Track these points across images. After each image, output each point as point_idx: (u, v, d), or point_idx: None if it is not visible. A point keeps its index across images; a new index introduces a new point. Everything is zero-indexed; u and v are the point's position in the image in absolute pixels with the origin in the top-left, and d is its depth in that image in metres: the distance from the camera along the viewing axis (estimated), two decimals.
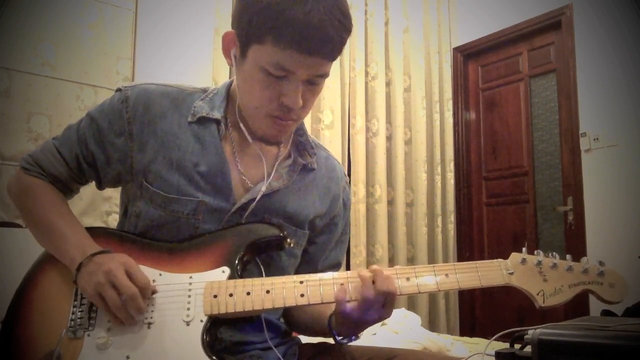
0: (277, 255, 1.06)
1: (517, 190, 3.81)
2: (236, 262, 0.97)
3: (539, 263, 0.97)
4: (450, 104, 4.06)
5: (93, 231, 1.04)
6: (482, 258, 4.20)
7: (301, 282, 0.94)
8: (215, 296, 0.93)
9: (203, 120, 1.04)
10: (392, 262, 3.56)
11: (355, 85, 3.52)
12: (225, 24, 2.90)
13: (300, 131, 1.12)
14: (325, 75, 0.97)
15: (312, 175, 1.12)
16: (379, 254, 3.48)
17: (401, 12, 3.80)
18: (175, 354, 0.90)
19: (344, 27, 0.93)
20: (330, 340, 1.06)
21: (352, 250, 3.35)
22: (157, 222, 1.02)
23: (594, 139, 3.31)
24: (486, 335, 3.04)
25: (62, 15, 2.57)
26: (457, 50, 4.17)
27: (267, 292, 0.93)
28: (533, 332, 0.84)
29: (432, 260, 3.76)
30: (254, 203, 1.02)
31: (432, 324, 3.65)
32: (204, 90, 1.09)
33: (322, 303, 0.95)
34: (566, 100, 3.51)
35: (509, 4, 3.85)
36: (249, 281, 0.94)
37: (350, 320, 0.94)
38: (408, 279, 0.94)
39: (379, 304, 0.92)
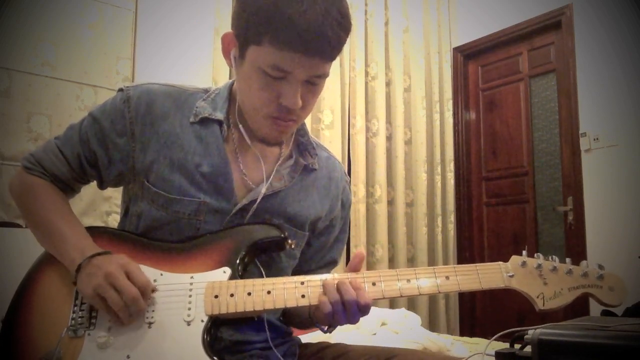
0: (277, 257, 1.07)
1: (517, 190, 3.81)
2: (237, 262, 0.97)
3: (539, 266, 0.97)
4: (450, 104, 4.06)
5: (94, 231, 1.04)
6: (482, 258, 4.23)
7: (302, 283, 0.94)
8: (216, 296, 0.93)
9: (205, 121, 1.04)
10: (392, 262, 3.56)
11: (355, 85, 3.52)
12: (225, 24, 2.90)
13: (302, 132, 1.12)
14: (324, 75, 0.96)
15: (313, 175, 1.12)
16: (379, 254, 3.48)
17: (401, 12, 3.80)
18: (176, 354, 0.90)
19: (342, 27, 0.92)
20: (330, 340, 1.06)
21: (352, 250, 3.35)
22: (159, 222, 1.01)
23: (594, 139, 3.31)
24: (486, 335, 3.04)
25: (62, 15, 2.57)
26: (457, 50, 4.17)
27: (268, 292, 0.93)
28: (533, 332, 0.84)
29: (432, 260, 3.76)
30: (255, 204, 1.02)
31: (432, 324, 3.65)
32: (206, 91, 1.09)
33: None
34: (566, 100, 3.51)
35: (509, 4, 3.85)
36: (249, 282, 0.94)
37: (328, 319, 0.94)
38: (409, 280, 0.94)
39: (352, 313, 0.91)
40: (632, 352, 0.76)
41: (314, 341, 1.21)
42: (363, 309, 0.91)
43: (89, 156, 1.06)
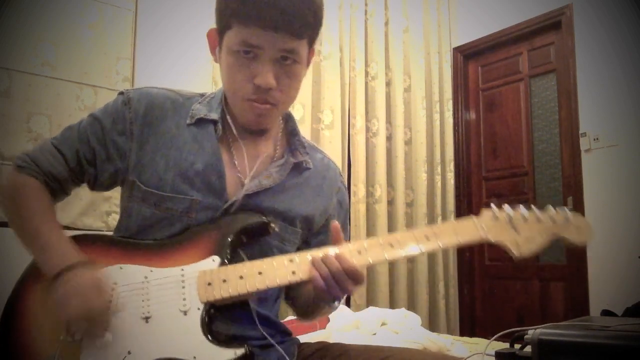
0: (270, 253, 1.07)
1: (517, 190, 3.81)
2: (225, 250, 0.99)
3: (510, 218, 1.02)
4: (450, 104, 4.06)
5: (83, 238, 1.04)
6: (482, 258, 4.23)
7: (291, 261, 0.97)
8: (209, 284, 0.95)
9: (201, 122, 1.07)
10: (391, 262, 3.56)
11: (355, 85, 3.52)
12: None
13: (294, 131, 1.15)
14: (294, 51, 0.99)
15: (306, 174, 1.14)
16: None
17: (401, 12, 3.80)
18: (177, 343, 0.92)
19: (304, 4, 0.96)
20: (329, 340, 1.07)
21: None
22: (150, 220, 1.04)
23: (594, 139, 3.31)
24: (486, 335, 3.04)
25: (62, 15, 2.57)
26: (457, 50, 4.17)
27: (260, 273, 0.95)
28: (533, 332, 0.84)
29: (432, 260, 3.76)
30: (239, 201, 1.05)
31: (432, 324, 3.65)
32: (202, 95, 1.14)
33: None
34: (566, 100, 3.51)
35: (509, 4, 3.85)
36: (240, 266, 0.97)
37: (326, 294, 0.96)
38: (392, 245, 0.97)
39: (341, 281, 0.94)
40: (632, 352, 0.76)
41: (313, 341, 1.22)
42: (351, 275, 0.94)
43: (88, 153, 1.07)
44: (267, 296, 1.11)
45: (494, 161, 3.96)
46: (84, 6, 2.64)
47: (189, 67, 2.90)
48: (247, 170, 1.08)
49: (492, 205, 1.03)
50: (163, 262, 0.99)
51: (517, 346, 0.90)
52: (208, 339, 0.92)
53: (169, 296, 0.95)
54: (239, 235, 1.02)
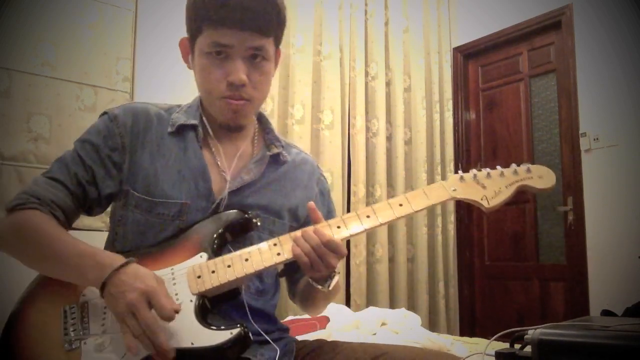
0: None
1: None
2: (211, 247, 1.03)
3: (475, 176, 1.09)
4: (450, 104, 4.06)
5: None
6: (482, 258, 4.23)
7: (275, 244, 1.02)
8: (199, 277, 0.99)
9: (182, 129, 1.14)
10: (392, 262, 3.56)
11: (355, 85, 3.52)
12: None
13: (267, 129, 1.23)
14: (262, 48, 1.06)
15: (284, 168, 1.20)
16: (379, 253, 3.48)
17: (401, 12, 3.80)
18: (173, 334, 0.93)
19: (268, 4, 1.05)
20: (324, 334, 1.07)
21: (352, 250, 3.35)
22: (144, 225, 1.07)
23: (594, 139, 3.31)
24: (486, 335, 3.04)
25: (62, 15, 2.57)
26: (457, 50, 4.17)
27: (246, 260, 1.00)
28: (533, 332, 0.84)
29: (432, 260, 3.76)
30: (225, 199, 1.09)
31: (432, 324, 3.65)
32: (179, 106, 1.21)
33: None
34: (566, 100, 3.51)
35: (509, 4, 3.85)
36: (227, 256, 1.01)
37: (310, 270, 1.00)
38: (368, 216, 1.03)
39: (323, 254, 0.98)
40: (632, 352, 0.76)
41: (310, 339, 1.23)
42: (331, 248, 0.98)
43: (86, 174, 1.09)
44: (264, 288, 1.13)
45: (494, 161, 3.96)
46: (84, 6, 2.64)
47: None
48: (228, 168, 1.13)
49: (460, 170, 1.12)
50: (154, 266, 1.00)
51: (517, 346, 0.90)
52: (203, 324, 0.94)
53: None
54: (225, 232, 1.06)
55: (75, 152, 1.11)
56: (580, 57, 3.43)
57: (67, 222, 1.09)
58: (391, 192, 3.65)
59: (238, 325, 0.94)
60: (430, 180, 3.84)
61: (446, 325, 3.77)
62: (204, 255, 1.02)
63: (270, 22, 1.06)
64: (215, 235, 1.04)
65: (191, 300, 0.97)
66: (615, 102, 3.25)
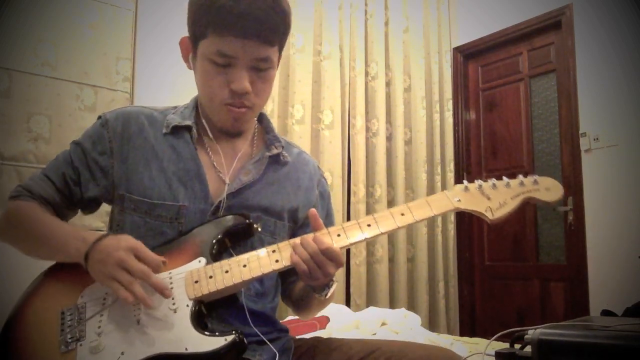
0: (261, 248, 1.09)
1: None
2: (210, 251, 1.03)
3: (480, 187, 1.06)
4: (450, 104, 4.06)
5: None
6: (482, 258, 4.22)
7: (274, 251, 1.00)
8: (196, 281, 0.99)
9: (176, 130, 1.13)
10: (392, 262, 3.56)
11: (355, 85, 3.52)
12: None
13: (268, 129, 1.21)
14: (267, 59, 1.05)
15: (285, 169, 1.19)
16: (378, 253, 3.48)
17: (401, 12, 3.80)
18: (168, 339, 0.93)
19: (275, 12, 1.02)
20: (324, 335, 1.08)
21: (352, 250, 3.35)
22: (143, 228, 1.07)
23: (594, 139, 3.31)
24: (486, 335, 3.04)
25: (62, 15, 2.57)
26: (457, 50, 4.17)
27: (244, 266, 0.99)
28: (533, 332, 0.84)
29: (432, 260, 3.76)
30: (225, 202, 1.09)
31: (432, 324, 3.65)
32: (175, 107, 1.20)
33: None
34: (566, 100, 3.51)
35: (509, 4, 3.85)
36: (225, 262, 1.00)
37: (308, 278, 1.00)
38: (369, 225, 1.02)
39: (321, 263, 0.97)
40: (632, 352, 0.76)
41: (307, 337, 1.23)
42: (330, 256, 0.97)
43: (73, 175, 1.13)
44: (264, 291, 1.13)
45: (494, 161, 3.96)
46: (84, 6, 2.64)
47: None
48: (226, 170, 1.12)
49: (464, 180, 1.09)
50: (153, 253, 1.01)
51: (517, 346, 0.90)
52: (198, 330, 0.94)
53: (158, 299, 0.97)
54: (224, 237, 1.05)
55: (69, 152, 1.15)
56: (580, 57, 3.43)
57: (58, 217, 1.14)
58: (391, 192, 3.66)
59: (233, 332, 0.94)
60: (430, 180, 3.84)
61: (446, 325, 3.76)
62: (203, 260, 1.02)
63: (277, 32, 1.05)
64: (214, 241, 1.04)
65: (187, 305, 0.97)
66: (615, 102, 3.24)
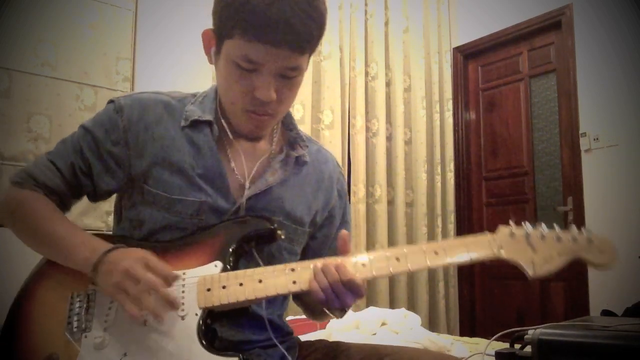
0: (278, 253, 1.07)
1: (517, 190, 3.81)
2: (228, 256, 0.98)
3: (527, 235, 0.96)
4: (450, 104, 4.06)
5: None
6: None
7: (292, 270, 0.94)
8: (208, 289, 0.94)
9: (196, 124, 1.05)
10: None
11: (355, 85, 3.52)
12: None
13: (290, 125, 1.13)
14: (297, 68, 0.97)
15: (305, 170, 1.13)
16: None
17: (401, 12, 3.80)
18: (172, 349, 0.91)
19: (312, 18, 0.92)
20: (324, 335, 1.06)
21: (352, 250, 3.34)
22: (161, 224, 1.02)
23: (594, 139, 3.31)
24: (486, 335, 3.04)
25: (62, 15, 2.57)
26: (457, 50, 4.17)
27: (260, 281, 0.94)
28: (533, 332, 0.84)
29: None
30: (245, 203, 1.03)
31: (432, 324, 3.65)
32: (194, 95, 1.11)
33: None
34: (566, 100, 3.51)
35: (509, 4, 3.85)
36: (241, 272, 0.95)
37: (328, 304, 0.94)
38: (398, 259, 0.94)
39: (341, 293, 0.91)
40: (632, 352, 0.76)
41: (312, 339, 1.22)
42: (350, 288, 0.91)
43: (83, 166, 1.06)
44: (274, 298, 1.09)
45: (494, 161, 3.96)
46: (84, 6, 2.64)
47: (189, 67, 2.90)
48: (245, 170, 1.06)
49: (510, 221, 0.99)
50: (166, 262, 0.98)
51: (517, 346, 0.90)
52: (203, 345, 0.90)
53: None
54: (245, 241, 1.00)
55: (77, 139, 1.07)
56: (580, 57, 3.43)
57: (64, 205, 1.09)
58: (391, 192, 3.66)
59: (239, 356, 0.90)
60: (430, 180, 3.84)
61: (446, 325, 3.76)
62: (219, 264, 0.97)
63: (310, 40, 0.96)
64: (234, 244, 0.99)
65: (196, 314, 0.93)
66: (615, 102, 3.24)
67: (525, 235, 0.96)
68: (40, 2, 2.51)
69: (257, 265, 1.02)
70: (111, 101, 1.08)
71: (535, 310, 3.58)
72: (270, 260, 1.04)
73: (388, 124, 3.70)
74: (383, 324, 2.16)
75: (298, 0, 0.90)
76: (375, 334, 2.09)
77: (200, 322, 0.92)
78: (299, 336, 1.21)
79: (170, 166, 1.03)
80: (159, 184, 1.02)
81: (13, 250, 1.06)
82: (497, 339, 0.95)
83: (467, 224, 4.03)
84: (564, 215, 3.52)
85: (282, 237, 1.03)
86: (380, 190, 3.54)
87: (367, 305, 3.12)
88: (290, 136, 1.13)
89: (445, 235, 3.89)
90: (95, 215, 2.53)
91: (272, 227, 1.01)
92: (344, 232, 0.98)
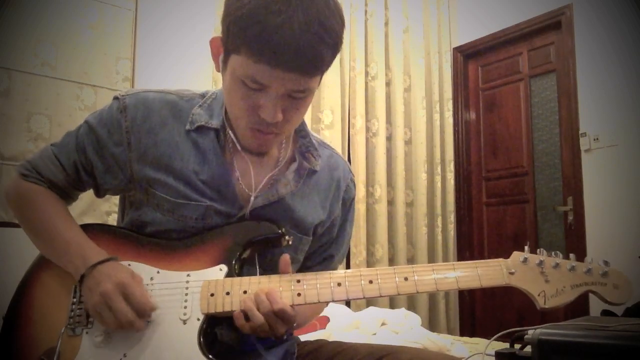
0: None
1: (517, 190, 3.81)
2: (234, 259, 0.97)
3: (541, 263, 0.94)
4: (450, 104, 4.06)
5: (91, 228, 1.04)
6: (482, 258, 4.19)
7: (298, 281, 0.93)
8: (212, 294, 0.93)
9: (202, 129, 1.02)
10: (392, 262, 3.56)
11: (355, 85, 3.52)
12: None
13: (303, 132, 1.09)
14: (306, 90, 0.91)
15: (314, 178, 1.10)
16: (379, 254, 3.48)
17: (401, 12, 3.80)
18: (172, 353, 0.91)
19: (324, 42, 0.85)
20: (324, 335, 1.05)
21: (352, 250, 3.35)
22: (166, 227, 1.01)
23: (594, 139, 3.31)
24: (486, 335, 3.04)
25: (62, 15, 2.57)
26: (457, 50, 4.17)
27: None
28: (533, 332, 0.84)
29: (432, 260, 3.76)
30: (254, 210, 1.02)
31: (432, 324, 3.65)
32: (203, 96, 1.07)
33: (319, 302, 0.95)
34: (566, 100, 3.51)
35: (509, 4, 3.85)
36: (245, 279, 0.94)
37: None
38: (406, 278, 0.93)
39: (270, 320, 0.89)
40: (632, 352, 0.76)
41: (312, 339, 1.22)
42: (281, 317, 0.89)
43: (86, 164, 1.05)
44: None
45: (494, 161, 3.96)
46: (84, 6, 2.64)
47: (189, 67, 2.90)
48: (253, 180, 1.03)
49: (526, 247, 0.96)
50: (171, 264, 0.97)
51: (517, 346, 0.90)
52: (203, 352, 0.90)
53: (171, 302, 0.94)
54: (251, 245, 0.99)
55: (81, 137, 1.05)
56: (580, 57, 3.43)
57: (68, 197, 1.10)
58: (391, 192, 3.66)
59: None
60: (430, 180, 3.84)
61: (446, 325, 3.76)
62: (224, 268, 0.95)
63: (322, 63, 0.89)
64: (240, 248, 0.98)
65: (198, 319, 0.92)
66: (615, 102, 3.24)
67: (538, 262, 0.94)
68: (40, 2, 2.51)
69: (258, 271, 1.01)
70: (116, 98, 1.05)
71: (535, 311, 3.56)
72: (273, 268, 1.03)
73: (388, 124, 3.70)
74: (383, 324, 2.16)
75: (310, 21, 0.83)
76: (375, 334, 2.10)
77: (202, 327, 0.92)
78: (299, 336, 1.21)
79: (174, 172, 1.00)
80: (163, 188, 1.01)
81: (13, 250, 1.06)
82: (497, 339, 0.94)
83: (467, 224, 4.03)
84: (564, 215, 3.52)
85: (290, 242, 1.01)
86: (380, 190, 3.54)
87: (367, 305, 3.12)
88: (303, 144, 1.09)
89: (445, 235, 3.89)
90: (95, 216, 2.53)
91: (280, 231, 0.99)
92: (285, 256, 0.96)
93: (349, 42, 3.52)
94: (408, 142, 3.79)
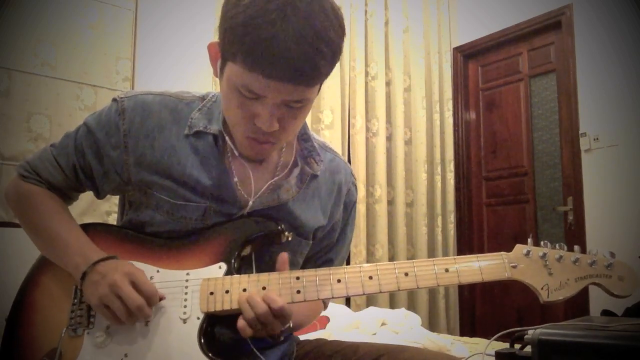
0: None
1: (517, 190, 3.81)
2: (233, 258, 0.97)
3: (544, 255, 0.92)
4: (450, 104, 4.06)
5: (91, 227, 1.04)
6: None
7: (297, 279, 0.93)
8: (211, 293, 0.93)
9: (200, 134, 1.01)
10: (392, 261, 3.56)
11: (355, 85, 3.52)
12: None
13: (305, 136, 1.08)
14: (304, 100, 0.90)
15: (315, 182, 1.08)
16: (379, 254, 3.48)
17: (401, 12, 3.80)
18: (173, 352, 0.91)
19: (319, 53, 0.83)
20: (324, 335, 1.05)
21: (352, 250, 3.35)
22: (165, 227, 1.01)
23: (594, 139, 3.31)
24: (486, 335, 3.04)
25: (62, 15, 2.57)
26: (457, 50, 4.17)
27: (263, 288, 0.92)
28: (533, 332, 0.84)
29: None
30: (256, 211, 1.01)
31: (432, 324, 3.65)
32: (203, 98, 1.06)
33: (318, 299, 0.95)
34: (566, 100, 3.51)
35: (509, 4, 3.85)
36: (245, 277, 0.94)
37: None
38: (407, 274, 0.92)
39: (267, 320, 0.89)
40: (632, 352, 0.76)
41: (311, 338, 1.22)
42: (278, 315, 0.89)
43: (85, 167, 1.06)
44: None
45: (494, 161, 3.96)
46: (84, 6, 2.64)
47: (189, 67, 2.90)
48: (253, 185, 1.03)
49: (529, 240, 0.94)
50: (170, 263, 0.97)
51: (517, 346, 0.90)
52: (203, 351, 0.90)
53: (171, 301, 0.94)
54: (250, 242, 0.99)
55: (80, 139, 1.05)
56: (580, 57, 3.43)
57: (68, 198, 1.11)
58: (391, 192, 3.66)
59: None
60: (430, 180, 3.84)
61: (446, 325, 3.76)
62: (224, 266, 0.95)
63: (320, 74, 0.86)
64: (240, 246, 0.97)
65: (198, 318, 0.92)
66: (615, 102, 3.24)
67: (541, 254, 0.92)
68: (40, 2, 2.51)
69: (257, 269, 1.00)
70: (115, 100, 1.04)
71: (535, 310, 3.58)
72: (272, 268, 1.01)
73: (388, 123, 3.70)
74: (383, 324, 2.16)
75: (306, 32, 0.81)
76: (375, 334, 2.09)
77: (202, 326, 0.92)
78: (299, 336, 1.21)
79: (172, 176, 1.00)
80: (162, 190, 1.00)
81: (13, 250, 1.07)
82: (497, 339, 0.94)
83: (467, 224, 4.03)
84: (564, 216, 3.52)
85: (289, 239, 1.00)
86: (380, 190, 3.54)
87: (367, 305, 3.12)
88: (305, 148, 1.07)
89: (445, 235, 3.89)
90: (95, 216, 2.53)
91: (279, 228, 0.99)
92: (283, 254, 0.96)
93: (349, 42, 3.52)
94: (408, 142, 3.79)
